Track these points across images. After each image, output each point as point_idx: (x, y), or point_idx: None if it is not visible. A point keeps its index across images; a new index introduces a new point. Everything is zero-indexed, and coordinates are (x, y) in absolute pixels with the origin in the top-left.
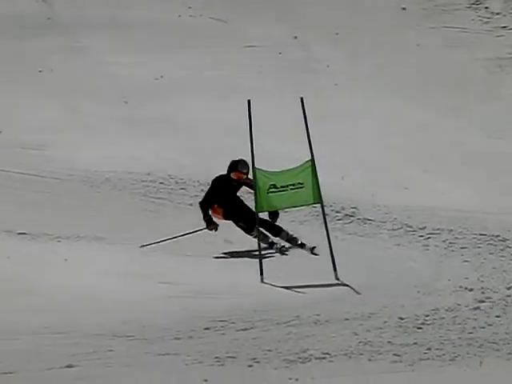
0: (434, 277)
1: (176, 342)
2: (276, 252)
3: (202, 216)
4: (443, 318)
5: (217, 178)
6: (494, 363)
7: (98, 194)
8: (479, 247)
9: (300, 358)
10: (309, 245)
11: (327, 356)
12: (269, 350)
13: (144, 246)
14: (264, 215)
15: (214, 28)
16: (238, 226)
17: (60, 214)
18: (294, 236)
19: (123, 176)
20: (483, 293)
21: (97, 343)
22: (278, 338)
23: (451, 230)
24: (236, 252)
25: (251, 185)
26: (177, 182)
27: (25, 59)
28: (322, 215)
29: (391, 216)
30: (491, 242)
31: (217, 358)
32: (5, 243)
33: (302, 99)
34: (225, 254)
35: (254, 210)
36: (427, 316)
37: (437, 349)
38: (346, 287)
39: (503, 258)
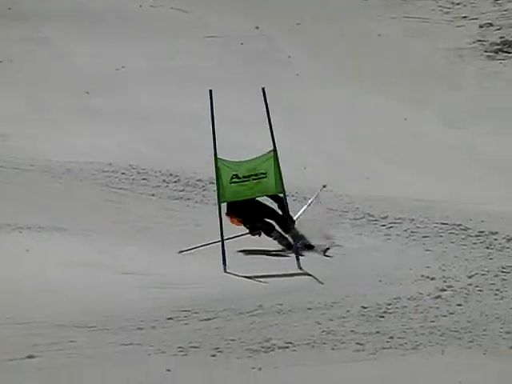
0: (396, 266)
1: (139, 332)
2: (292, 253)
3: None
4: (405, 306)
5: None
6: (456, 351)
7: (59, 185)
8: (441, 236)
9: (263, 347)
10: (318, 246)
11: (290, 345)
12: (232, 340)
13: (182, 251)
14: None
15: (175, 18)
16: (258, 227)
17: (21, 205)
18: (304, 237)
19: (85, 166)
20: (445, 281)
21: (58, 334)
22: (241, 328)
23: (413, 220)
24: (251, 250)
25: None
26: (138, 173)
27: None
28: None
29: (353, 206)
30: (453, 231)
31: (180, 347)
32: None
33: (263, 90)
34: (240, 251)
35: (272, 209)
36: (389, 305)
37: (399, 337)
38: (308, 277)
39: (465, 247)
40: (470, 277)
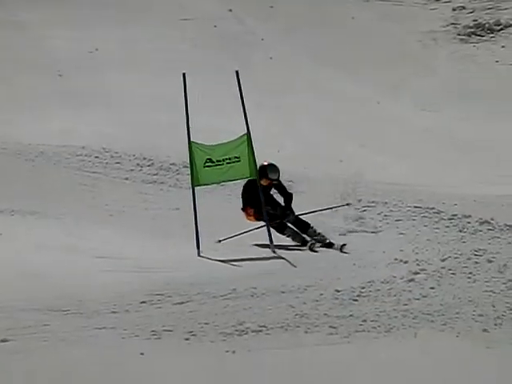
0: (370, 249)
1: (112, 316)
2: (307, 249)
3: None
4: (378, 290)
5: (247, 183)
6: (429, 334)
7: (32, 168)
8: (414, 219)
9: (237, 330)
10: (337, 244)
11: (264, 329)
12: (205, 323)
13: (221, 240)
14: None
15: (148, 1)
16: (270, 225)
17: None
18: (323, 234)
19: (58, 150)
20: (418, 265)
21: (32, 318)
22: (215, 312)
23: (386, 203)
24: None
25: (277, 186)
26: (112, 156)
27: None
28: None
29: (326, 189)
30: (426, 214)
31: (153, 331)
32: None
33: (237, 72)
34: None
35: (285, 207)
36: (363, 288)
37: (372, 320)
38: (282, 260)
39: (438, 230)
40: (443, 260)
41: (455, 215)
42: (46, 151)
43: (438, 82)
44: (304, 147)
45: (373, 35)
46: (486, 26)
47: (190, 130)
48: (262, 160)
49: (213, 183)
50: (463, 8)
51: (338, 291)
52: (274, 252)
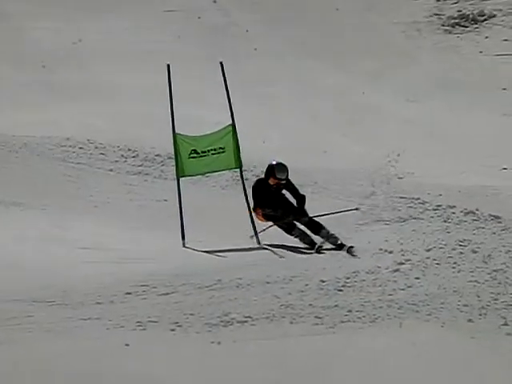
0: (355, 240)
1: (97, 307)
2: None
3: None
4: (364, 280)
5: (255, 183)
6: (414, 324)
7: (16, 159)
8: (399, 210)
9: (222, 321)
10: (347, 245)
11: (249, 319)
12: (191, 314)
13: (252, 236)
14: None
15: None
16: (278, 226)
17: None
18: (335, 236)
19: (42, 141)
20: (403, 255)
21: (16, 308)
22: (200, 302)
23: (372, 193)
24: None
25: (289, 187)
26: (96, 147)
27: None
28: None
29: (311, 179)
30: (411, 204)
31: (138, 322)
32: None
33: (221, 64)
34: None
35: (295, 207)
36: (348, 278)
37: (357, 311)
38: (267, 251)
39: (422, 221)
40: (428, 250)
41: (440, 206)
42: (30, 142)
43: (422, 72)
44: (289, 138)
45: (357, 26)
46: (470, 16)
47: (175, 121)
48: (247, 151)
49: (198, 174)
50: None
51: (323, 281)
52: (259, 243)
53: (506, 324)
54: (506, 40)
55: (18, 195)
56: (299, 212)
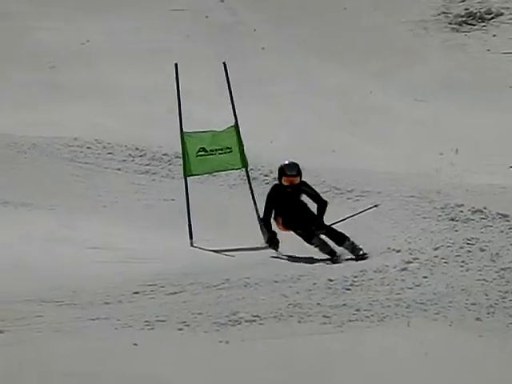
0: (363, 238)
1: (106, 307)
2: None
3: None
4: (371, 279)
5: (270, 189)
6: (422, 323)
7: (24, 160)
8: (406, 209)
9: (230, 320)
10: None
11: (257, 318)
12: (199, 314)
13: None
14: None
15: None
16: (297, 234)
17: None
18: (359, 247)
19: (50, 141)
20: (411, 254)
21: (26, 309)
22: (208, 302)
23: (379, 192)
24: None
25: (308, 192)
26: (104, 147)
27: None
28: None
29: (319, 179)
30: (419, 203)
31: (147, 321)
32: None
33: (224, 64)
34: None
35: (315, 215)
36: (355, 277)
37: (365, 310)
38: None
39: (430, 220)
40: (436, 249)
41: (447, 204)
42: (39, 143)
43: (429, 71)
44: (297, 137)
45: (364, 25)
46: (478, 15)
47: (182, 120)
48: (255, 150)
49: (205, 173)
50: None
51: (331, 280)
52: (267, 242)
53: None
54: None
55: (26, 195)
56: (317, 225)
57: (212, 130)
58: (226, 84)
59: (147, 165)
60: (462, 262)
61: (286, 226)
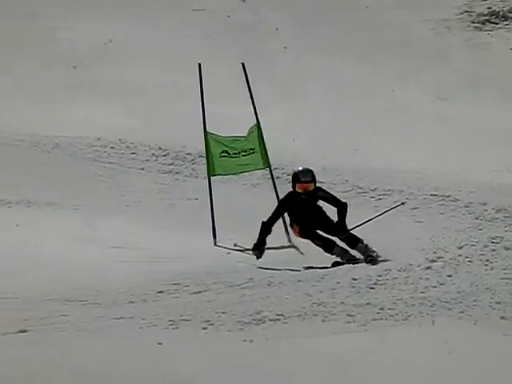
0: (386, 237)
1: (130, 306)
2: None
3: None
4: (395, 278)
5: (285, 196)
6: (446, 322)
7: (48, 160)
8: (430, 207)
9: (254, 319)
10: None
11: (281, 317)
12: (223, 313)
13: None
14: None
15: None
16: (316, 244)
17: (10, 180)
18: (373, 249)
19: (73, 141)
20: (435, 252)
21: (50, 308)
22: (232, 301)
23: (402, 191)
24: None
25: (324, 197)
26: (127, 147)
27: None
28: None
29: (342, 178)
30: (442, 202)
31: (171, 321)
32: None
33: (243, 64)
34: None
35: (333, 221)
36: (380, 276)
37: (389, 309)
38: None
39: (454, 218)
40: (460, 247)
41: (471, 203)
42: (62, 143)
43: (452, 70)
44: (319, 136)
45: (386, 24)
46: (501, 13)
47: (206, 120)
48: (277, 150)
49: (228, 174)
50: None
51: (355, 279)
52: (290, 241)
53: None
54: None
55: (50, 195)
56: (339, 229)
57: (234, 136)
58: (251, 83)
59: (170, 164)
60: (487, 260)
61: (304, 234)
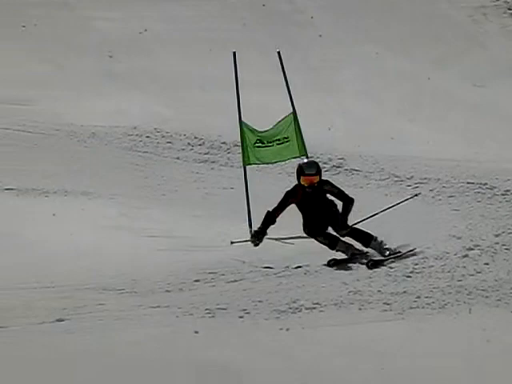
0: (423, 226)
1: (167, 295)
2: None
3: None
4: (432, 266)
5: (291, 188)
6: (483, 310)
7: (84, 149)
8: (467, 195)
9: (290, 308)
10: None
11: (317, 306)
12: (259, 301)
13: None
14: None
15: None
16: (319, 242)
17: (47, 170)
18: (387, 246)
19: (109, 130)
20: (472, 240)
21: (87, 297)
22: (269, 289)
23: (439, 179)
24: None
25: (330, 191)
26: (163, 136)
27: (8, 14)
28: None
29: (378, 166)
30: (479, 190)
31: (207, 309)
32: None
33: (279, 53)
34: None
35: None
36: (416, 265)
37: (426, 297)
38: None
39: (491, 206)
40: (497, 235)
41: (508, 191)
42: (98, 132)
43: (489, 56)
44: (355, 124)
45: (422, 11)
46: None
47: (241, 108)
48: (313, 138)
49: (263, 163)
50: None
51: (392, 268)
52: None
53: None
54: None
55: (86, 184)
56: (340, 224)
57: (269, 128)
58: (286, 71)
59: (206, 153)
60: None
61: (307, 231)
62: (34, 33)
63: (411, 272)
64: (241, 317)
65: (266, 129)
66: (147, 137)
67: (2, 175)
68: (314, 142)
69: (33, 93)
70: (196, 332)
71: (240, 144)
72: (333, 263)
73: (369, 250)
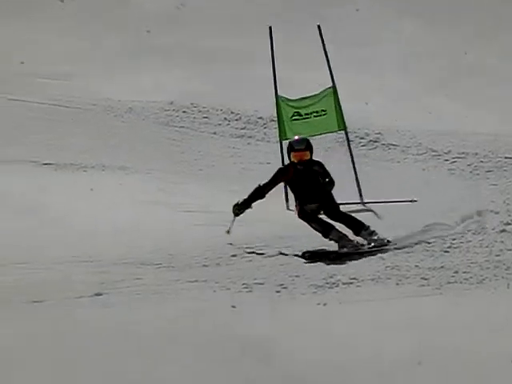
0: (461, 200)
1: (204, 269)
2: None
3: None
4: (470, 241)
5: (282, 169)
6: None
7: (121, 124)
8: (505, 170)
9: (328, 283)
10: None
11: (355, 281)
12: (296, 276)
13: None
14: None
15: None
16: (313, 228)
17: (85, 145)
18: (376, 237)
19: (146, 105)
20: (509, 215)
21: (125, 271)
22: (306, 264)
23: (476, 154)
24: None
25: (320, 172)
26: (200, 111)
27: None
28: (346, 141)
29: (416, 141)
30: None
31: (244, 284)
32: (31, 174)
33: (319, 27)
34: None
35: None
36: (454, 240)
37: (464, 272)
38: (370, 212)
39: None
40: None
41: None
42: (135, 107)
43: None
44: (392, 99)
45: None
46: None
47: (277, 83)
48: (350, 113)
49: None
50: None
51: (429, 243)
52: (364, 205)
53: None
54: None
55: (123, 159)
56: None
57: (306, 97)
58: (322, 46)
59: (243, 128)
60: None
61: (302, 215)
62: (73, 8)
63: (449, 247)
64: (278, 291)
65: (302, 96)
66: (184, 112)
67: (40, 150)
68: (350, 116)
69: (70, 68)
70: (233, 306)
71: (276, 119)
72: (308, 256)
73: (358, 238)
